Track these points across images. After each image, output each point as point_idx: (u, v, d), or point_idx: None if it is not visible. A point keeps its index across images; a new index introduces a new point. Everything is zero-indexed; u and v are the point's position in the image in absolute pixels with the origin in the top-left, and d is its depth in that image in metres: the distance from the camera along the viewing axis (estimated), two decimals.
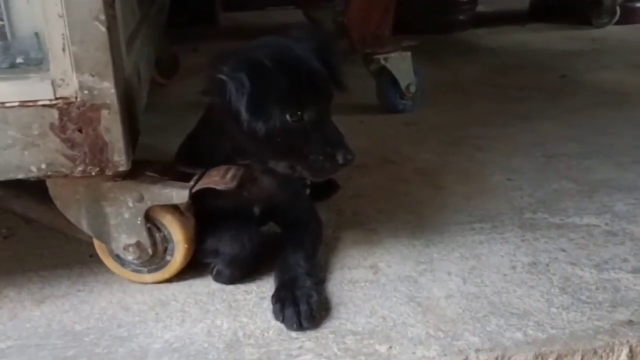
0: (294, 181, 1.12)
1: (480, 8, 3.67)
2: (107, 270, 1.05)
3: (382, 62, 1.89)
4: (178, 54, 2.43)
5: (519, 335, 0.90)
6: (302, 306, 0.92)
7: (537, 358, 0.87)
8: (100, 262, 1.04)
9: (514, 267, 1.08)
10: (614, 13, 3.49)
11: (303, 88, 0.95)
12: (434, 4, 3.39)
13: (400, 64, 1.90)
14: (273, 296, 0.97)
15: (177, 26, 2.60)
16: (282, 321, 0.92)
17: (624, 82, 2.38)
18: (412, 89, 1.94)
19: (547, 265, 1.09)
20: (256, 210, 1.09)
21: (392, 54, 1.89)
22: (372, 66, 1.92)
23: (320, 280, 1.03)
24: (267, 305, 0.97)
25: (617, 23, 3.51)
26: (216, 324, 0.94)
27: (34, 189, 1.11)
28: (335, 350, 0.87)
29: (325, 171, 0.99)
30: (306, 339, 0.89)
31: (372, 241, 1.18)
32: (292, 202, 1.12)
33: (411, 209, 1.32)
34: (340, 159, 0.95)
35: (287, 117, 0.94)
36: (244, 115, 0.92)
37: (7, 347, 0.90)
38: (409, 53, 1.90)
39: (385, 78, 1.94)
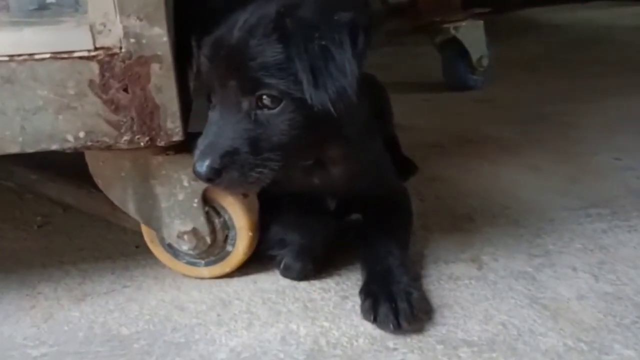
0: (375, 170, 0.93)
1: None
2: (157, 262, 0.92)
3: (452, 31, 1.72)
4: None
5: None
6: (401, 303, 0.74)
7: None
8: (148, 254, 0.92)
9: None
10: None
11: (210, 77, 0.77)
12: None
13: (472, 34, 1.73)
14: (361, 291, 0.79)
15: None
16: (374, 321, 0.75)
17: None
18: (485, 62, 1.78)
19: None
20: (331, 204, 0.92)
21: (463, 23, 1.71)
22: (439, 37, 1.75)
23: (416, 275, 0.85)
24: (352, 306, 0.80)
25: None
26: (291, 329, 0.77)
27: (72, 172, 1.03)
28: None
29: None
30: (408, 350, 0.71)
31: (466, 230, 1.00)
32: (375, 190, 0.93)
33: (505, 192, 1.13)
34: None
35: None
36: None
37: (41, 354, 0.75)
38: (481, 22, 1.73)
39: (454, 51, 1.76)
